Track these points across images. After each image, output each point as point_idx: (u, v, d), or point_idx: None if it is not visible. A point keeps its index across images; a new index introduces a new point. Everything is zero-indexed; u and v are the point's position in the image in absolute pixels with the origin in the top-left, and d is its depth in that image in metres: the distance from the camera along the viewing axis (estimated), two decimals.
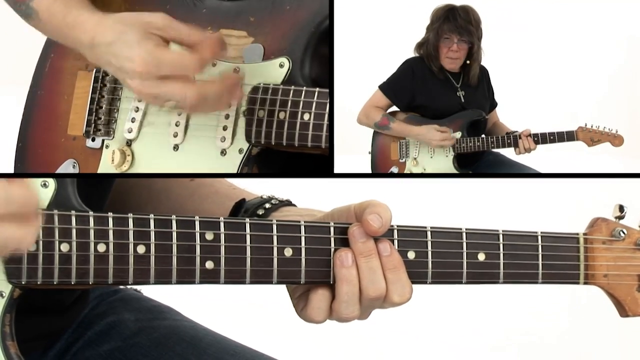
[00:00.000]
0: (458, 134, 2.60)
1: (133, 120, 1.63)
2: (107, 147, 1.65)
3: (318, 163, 1.59)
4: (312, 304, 1.30)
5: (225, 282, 1.26)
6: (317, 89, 1.51)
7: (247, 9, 1.61)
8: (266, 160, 1.57)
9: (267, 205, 1.44)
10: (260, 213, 1.43)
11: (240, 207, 1.47)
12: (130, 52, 1.43)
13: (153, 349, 1.53)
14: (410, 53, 2.65)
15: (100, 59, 1.49)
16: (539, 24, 3.39)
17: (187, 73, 1.44)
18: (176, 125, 1.60)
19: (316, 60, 1.57)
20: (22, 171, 1.72)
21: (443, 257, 1.32)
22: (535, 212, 3.39)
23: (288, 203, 1.46)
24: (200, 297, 2.62)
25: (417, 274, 1.31)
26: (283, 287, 1.34)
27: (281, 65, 1.55)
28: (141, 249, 1.22)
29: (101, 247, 1.21)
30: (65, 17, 1.52)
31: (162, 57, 1.42)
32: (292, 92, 1.52)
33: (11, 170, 1.74)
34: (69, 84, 1.67)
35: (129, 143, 1.64)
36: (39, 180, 1.22)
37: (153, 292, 1.56)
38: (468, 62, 2.62)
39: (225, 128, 1.57)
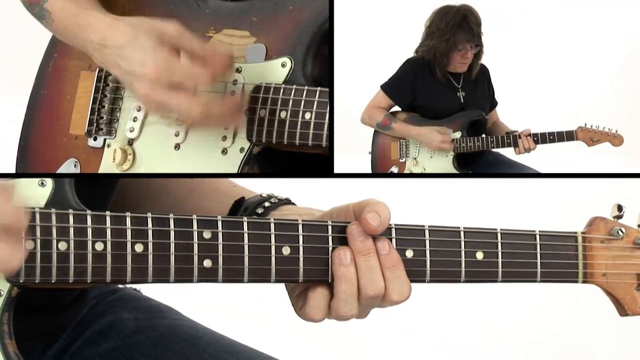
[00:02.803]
0: (458, 134, 2.60)
1: (135, 119, 1.63)
2: (108, 146, 1.65)
3: (319, 163, 1.59)
4: (310, 302, 1.30)
5: (224, 281, 1.26)
6: (319, 88, 1.51)
7: (250, 9, 1.61)
8: (267, 159, 1.57)
9: (267, 204, 1.44)
10: (260, 212, 1.43)
11: (240, 205, 1.47)
12: (143, 56, 1.43)
13: (152, 348, 1.53)
14: (410, 53, 2.65)
15: (108, 61, 1.50)
16: (539, 23, 3.39)
17: (198, 85, 1.44)
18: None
19: (318, 60, 1.57)
20: (23, 170, 1.72)
21: (441, 256, 1.32)
22: (534, 212, 3.40)
23: (287, 202, 1.46)
24: (199, 296, 2.62)
25: (415, 273, 1.31)
26: (281, 285, 1.34)
27: (283, 65, 1.55)
28: (139, 248, 1.22)
29: (99, 246, 1.21)
30: (77, 18, 1.52)
31: (175, 66, 1.43)
32: (293, 91, 1.52)
33: (13, 169, 1.74)
34: (71, 83, 1.67)
35: (130, 142, 1.64)
36: (37, 179, 1.22)
37: (152, 291, 1.56)
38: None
39: (226, 127, 1.57)
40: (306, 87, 1.52)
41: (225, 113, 1.49)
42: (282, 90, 1.53)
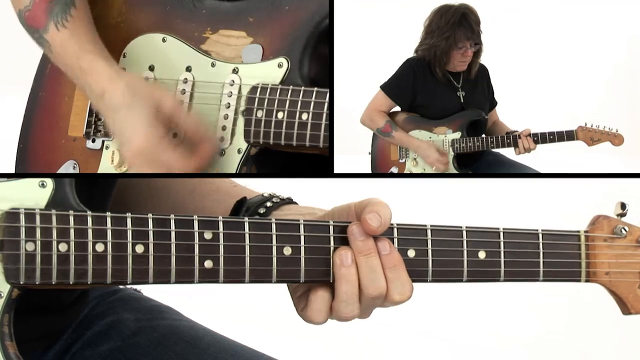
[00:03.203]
0: (458, 134, 2.60)
1: None
2: (107, 148, 1.65)
3: (316, 163, 1.58)
4: (312, 305, 1.30)
5: (225, 282, 1.25)
6: (316, 88, 1.51)
7: (247, 9, 1.61)
8: (265, 160, 1.57)
9: (268, 204, 1.44)
10: (262, 211, 1.43)
11: (242, 205, 1.46)
12: (135, 127, 1.47)
13: (153, 348, 1.53)
14: (410, 53, 2.65)
15: (103, 113, 1.53)
16: (539, 23, 3.39)
17: (180, 170, 1.49)
18: None
19: (315, 60, 1.57)
20: (23, 172, 1.72)
21: (443, 256, 1.31)
22: (535, 211, 3.40)
23: (289, 201, 1.46)
24: (199, 297, 2.62)
25: (417, 273, 1.31)
26: (282, 286, 1.33)
27: (280, 65, 1.55)
28: (140, 249, 1.22)
29: (99, 247, 1.21)
30: (79, 60, 1.54)
31: (162, 151, 1.47)
32: (290, 92, 1.52)
33: (12, 171, 1.74)
34: (69, 85, 1.67)
35: None
36: (37, 181, 1.21)
37: (152, 291, 1.56)
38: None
39: (224, 128, 1.57)
40: (303, 88, 1.52)
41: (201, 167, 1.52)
42: (278, 90, 1.53)
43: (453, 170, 2.63)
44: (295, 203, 1.46)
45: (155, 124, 1.47)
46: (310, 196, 1.59)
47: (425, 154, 2.63)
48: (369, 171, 2.74)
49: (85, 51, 1.54)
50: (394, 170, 2.70)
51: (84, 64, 1.53)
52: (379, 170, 2.73)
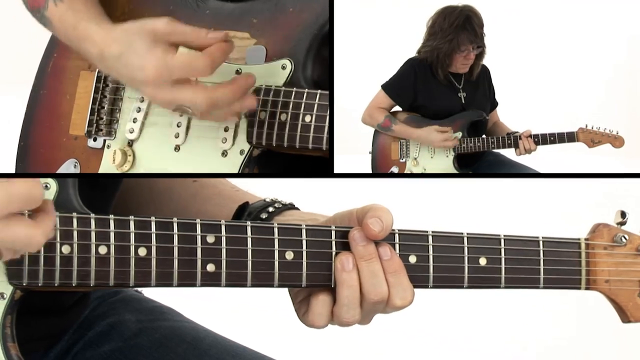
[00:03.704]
0: (459, 134, 2.60)
1: (135, 120, 1.63)
2: (108, 147, 1.65)
3: (319, 166, 1.59)
4: (313, 309, 1.30)
5: (227, 285, 1.26)
6: (319, 91, 1.51)
7: (250, 11, 1.61)
8: (267, 162, 1.57)
9: (271, 209, 1.44)
10: (264, 216, 1.43)
11: (244, 210, 1.46)
12: (141, 61, 1.43)
13: (154, 349, 1.53)
14: (411, 53, 2.65)
15: (111, 71, 1.51)
16: (540, 24, 3.39)
17: (200, 75, 1.45)
18: (178, 126, 1.60)
19: (318, 62, 1.57)
20: (23, 170, 1.72)
21: (444, 262, 1.32)
22: (535, 212, 3.40)
23: (291, 207, 1.46)
24: (201, 298, 2.61)
25: (418, 278, 1.31)
26: (284, 289, 1.33)
27: (283, 67, 1.55)
28: (142, 252, 1.22)
29: (102, 249, 1.21)
30: (75, 28, 1.53)
31: (172, 62, 1.43)
32: (293, 93, 1.52)
33: (12, 170, 1.74)
34: (71, 83, 1.67)
35: (130, 143, 1.64)
36: (41, 182, 1.21)
37: (154, 292, 1.56)
38: None
39: (226, 129, 1.57)
40: (306, 90, 1.52)
41: (232, 96, 1.48)
42: (282, 92, 1.53)
43: (454, 170, 2.63)
44: (297, 209, 1.47)
45: (157, 47, 1.44)
46: (310, 196, 1.60)
47: (428, 140, 2.62)
48: (370, 171, 2.74)
49: (79, 18, 1.53)
50: (395, 170, 2.70)
51: (79, 32, 1.52)
52: (380, 170, 2.73)
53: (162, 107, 1.56)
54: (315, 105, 1.50)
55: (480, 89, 2.66)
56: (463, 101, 2.63)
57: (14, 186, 1.12)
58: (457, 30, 2.54)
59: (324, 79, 1.58)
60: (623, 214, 1.37)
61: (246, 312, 3.25)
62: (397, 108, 2.70)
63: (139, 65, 1.44)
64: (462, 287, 1.33)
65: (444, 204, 3.40)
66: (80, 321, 1.55)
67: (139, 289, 1.67)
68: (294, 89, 1.53)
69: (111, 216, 1.22)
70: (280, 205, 1.45)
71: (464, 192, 3.42)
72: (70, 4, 1.55)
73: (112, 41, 1.47)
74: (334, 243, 1.29)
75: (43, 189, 1.19)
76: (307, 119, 1.50)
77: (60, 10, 1.55)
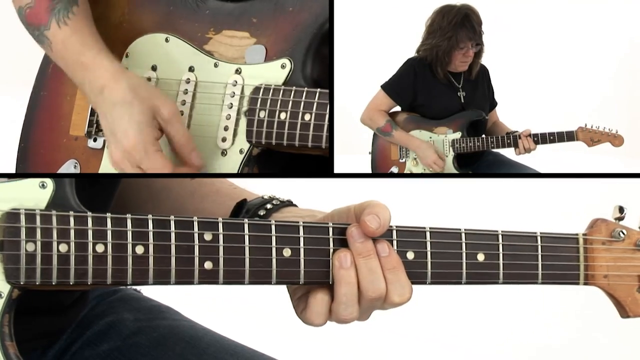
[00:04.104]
0: (458, 134, 2.60)
1: None
2: (108, 147, 1.65)
3: (318, 165, 1.58)
4: (311, 308, 1.30)
5: (224, 283, 1.26)
6: (318, 89, 1.51)
7: (250, 10, 1.61)
8: (267, 160, 1.57)
9: (268, 206, 1.44)
10: (262, 214, 1.43)
11: (242, 208, 1.47)
12: (129, 127, 1.48)
13: (152, 348, 1.53)
14: (410, 53, 2.65)
15: (99, 108, 1.54)
16: (540, 23, 3.39)
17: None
18: None
19: (318, 61, 1.57)
20: (24, 171, 1.72)
21: (442, 258, 1.31)
22: (535, 212, 3.40)
23: (289, 203, 1.46)
24: (199, 297, 2.62)
25: (416, 275, 1.31)
26: (282, 286, 1.33)
27: (283, 66, 1.55)
28: (140, 250, 1.22)
29: (100, 248, 1.21)
30: (81, 56, 1.54)
31: (150, 155, 1.48)
32: (293, 92, 1.52)
33: (13, 170, 1.74)
34: (71, 84, 1.66)
35: None
36: (37, 181, 1.21)
37: (152, 291, 1.56)
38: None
39: (226, 128, 1.57)
40: (306, 89, 1.52)
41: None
42: (281, 91, 1.53)
43: (453, 170, 2.63)
44: (295, 205, 1.46)
45: (149, 127, 1.48)
46: (310, 196, 1.60)
47: (424, 154, 2.63)
48: (369, 171, 2.74)
49: (87, 47, 1.54)
50: (394, 170, 2.70)
51: (85, 59, 1.53)
52: (379, 170, 2.73)
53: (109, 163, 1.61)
54: (315, 104, 1.50)
55: (480, 88, 2.66)
56: (462, 100, 2.63)
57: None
58: (456, 27, 2.54)
59: (323, 77, 1.58)
60: (621, 209, 1.37)
61: (244, 311, 3.26)
62: (397, 108, 2.70)
63: (125, 128, 1.48)
64: (460, 283, 1.32)
65: (443, 204, 3.41)
66: (78, 320, 1.55)
67: (138, 288, 1.67)
68: (294, 87, 1.53)
69: (108, 214, 1.22)
70: (278, 202, 1.45)
71: (464, 192, 3.42)
72: (75, 29, 1.55)
73: (117, 87, 1.50)
74: (331, 240, 1.29)
75: (39, 189, 1.20)
76: (307, 117, 1.50)
77: (64, 33, 1.56)
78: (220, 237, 1.25)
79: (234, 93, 1.57)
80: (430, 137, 2.63)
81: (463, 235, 1.32)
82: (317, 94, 1.51)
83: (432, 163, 2.61)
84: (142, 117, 1.47)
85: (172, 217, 1.24)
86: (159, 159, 1.48)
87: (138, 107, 1.48)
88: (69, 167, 1.68)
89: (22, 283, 1.20)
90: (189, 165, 1.53)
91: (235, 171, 1.56)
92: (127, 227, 1.22)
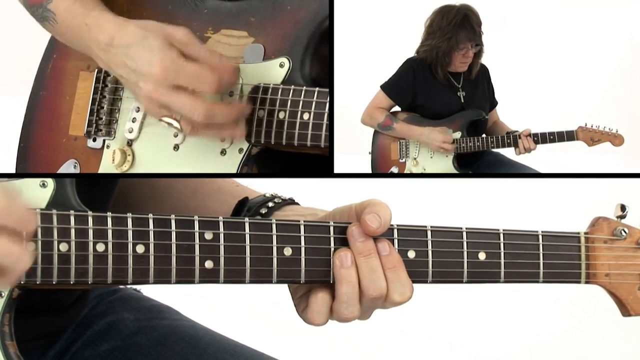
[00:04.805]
0: (458, 134, 2.60)
1: (134, 120, 1.63)
2: (108, 147, 1.65)
3: (318, 164, 1.58)
4: (312, 307, 1.30)
5: (225, 282, 1.26)
6: (317, 88, 1.51)
7: (248, 9, 1.61)
8: (266, 160, 1.57)
9: (270, 204, 1.44)
10: (263, 212, 1.43)
11: (243, 206, 1.47)
12: (151, 55, 1.44)
13: (152, 348, 1.53)
14: (410, 53, 2.65)
15: (114, 61, 1.50)
16: (540, 23, 3.39)
17: (204, 89, 1.44)
18: None
19: (316, 60, 1.57)
20: (23, 171, 1.72)
21: (443, 257, 1.31)
22: (535, 212, 3.40)
23: (291, 202, 1.46)
24: (199, 297, 2.62)
25: (417, 274, 1.31)
26: (283, 286, 1.33)
27: (281, 65, 1.55)
28: (140, 249, 1.22)
29: (100, 247, 1.21)
30: (85, 18, 1.53)
31: (183, 66, 1.43)
32: (291, 91, 1.52)
33: (13, 171, 1.74)
34: (70, 84, 1.67)
35: (129, 143, 1.64)
36: (38, 181, 1.21)
37: (152, 291, 1.56)
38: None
39: (223, 138, 1.57)
40: (304, 88, 1.52)
41: (227, 118, 1.48)
42: (280, 90, 1.53)
43: (453, 170, 2.63)
44: (297, 204, 1.46)
45: (171, 49, 1.44)
46: (310, 196, 1.59)
47: (428, 139, 2.62)
48: (369, 171, 2.74)
49: (90, 9, 1.53)
50: (394, 170, 2.70)
51: (89, 20, 1.52)
52: (379, 170, 2.73)
53: (151, 113, 1.55)
54: (313, 103, 1.50)
55: (480, 88, 2.66)
56: (462, 100, 2.63)
57: (13, 202, 1.13)
58: (456, 28, 2.54)
59: (322, 76, 1.58)
60: (623, 207, 1.37)
61: (245, 311, 3.25)
62: (397, 108, 2.70)
63: (148, 58, 1.44)
64: (461, 282, 1.32)
65: (443, 203, 3.40)
66: (79, 320, 1.55)
67: (138, 288, 1.67)
68: (292, 86, 1.53)
69: (109, 214, 1.22)
70: (280, 201, 1.45)
71: (464, 192, 3.42)
72: None
73: (126, 32, 1.47)
74: (332, 239, 1.29)
75: (39, 188, 1.20)
76: (305, 116, 1.50)
77: (66, 1, 1.55)
78: (221, 236, 1.25)
79: (233, 92, 1.57)
80: None
81: (464, 234, 1.32)
82: (316, 93, 1.51)
83: (440, 144, 2.60)
84: (161, 43, 1.44)
85: (172, 216, 1.24)
86: (192, 67, 1.44)
87: (153, 38, 1.45)
88: (68, 167, 1.68)
89: (22, 282, 1.20)
90: (224, 70, 1.47)
91: (235, 171, 1.56)
92: (127, 226, 1.22)
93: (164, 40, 1.44)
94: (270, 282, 1.27)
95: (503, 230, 1.34)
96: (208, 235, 1.24)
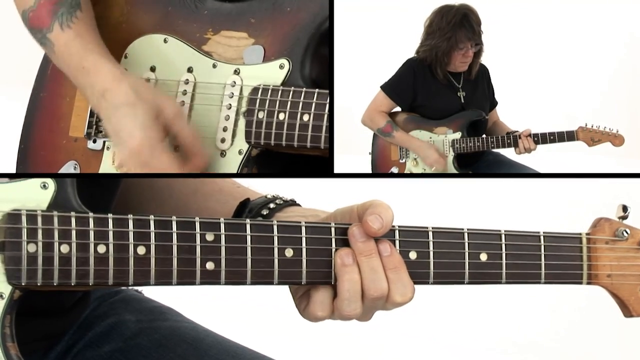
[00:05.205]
0: (458, 134, 2.60)
1: None
2: (108, 148, 1.65)
3: (318, 165, 1.58)
4: (314, 298, 1.29)
5: (226, 283, 1.26)
6: (317, 89, 1.51)
7: (248, 11, 1.61)
8: (266, 161, 1.57)
9: (272, 205, 1.44)
10: (265, 213, 1.43)
11: (245, 207, 1.47)
12: (133, 128, 1.48)
13: (154, 350, 1.53)
14: (410, 53, 2.65)
15: (102, 112, 1.52)
16: (540, 23, 3.39)
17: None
18: None
19: (316, 61, 1.57)
20: (24, 172, 1.72)
21: (445, 258, 1.31)
22: (535, 212, 3.40)
23: (292, 203, 1.46)
24: (201, 298, 2.62)
25: (418, 275, 1.30)
26: (284, 287, 1.33)
27: (281, 67, 1.55)
28: (141, 250, 1.22)
29: (101, 249, 1.21)
30: (82, 60, 1.54)
31: (157, 155, 1.48)
32: (291, 93, 1.52)
33: (13, 172, 1.74)
34: (71, 86, 1.66)
35: None
36: (39, 181, 1.21)
37: (154, 292, 1.56)
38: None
39: (225, 129, 1.57)
40: (304, 89, 1.52)
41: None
42: (280, 92, 1.53)
43: (453, 170, 2.63)
44: (299, 205, 1.46)
45: (154, 127, 1.48)
46: (310, 196, 1.59)
47: (425, 154, 2.63)
48: (370, 171, 2.74)
49: (89, 51, 1.54)
50: (394, 170, 2.70)
51: (87, 63, 1.53)
52: (380, 171, 2.73)
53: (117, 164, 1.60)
54: (313, 104, 1.50)
55: (480, 88, 2.66)
56: (462, 100, 2.63)
57: None
58: (455, 28, 2.54)
59: (322, 78, 1.58)
60: (625, 208, 1.36)
61: (246, 312, 3.25)
62: (397, 108, 2.70)
63: (130, 129, 1.48)
64: (462, 283, 1.32)
65: (444, 204, 3.40)
66: (80, 321, 1.55)
67: (139, 289, 1.67)
68: (292, 88, 1.53)
69: (110, 215, 1.22)
70: (282, 202, 1.45)
71: (464, 192, 3.42)
72: (78, 32, 1.56)
73: (119, 89, 1.50)
74: (333, 240, 1.28)
75: (40, 190, 1.20)
76: (305, 118, 1.50)
77: (67, 36, 1.56)
78: (222, 237, 1.25)
79: (233, 94, 1.57)
80: (430, 137, 2.63)
81: (466, 235, 1.32)
82: (316, 94, 1.51)
83: (434, 162, 2.60)
84: (146, 117, 1.47)
85: (173, 218, 1.24)
86: (165, 158, 1.48)
87: (141, 108, 1.47)
88: (68, 168, 1.68)
89: (23, 284, 1.19)
90: (194, 163, 1.53)
91: (235, 172, 1.56)
92: (128, 228, 1.22)
93: (150, 114, 1.48)
94: (272, 283, 1.27)
95: (504, 231, 1.33)
96: (209, 237, 1.24)
